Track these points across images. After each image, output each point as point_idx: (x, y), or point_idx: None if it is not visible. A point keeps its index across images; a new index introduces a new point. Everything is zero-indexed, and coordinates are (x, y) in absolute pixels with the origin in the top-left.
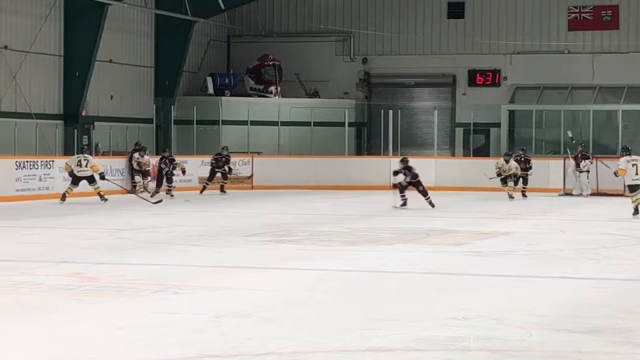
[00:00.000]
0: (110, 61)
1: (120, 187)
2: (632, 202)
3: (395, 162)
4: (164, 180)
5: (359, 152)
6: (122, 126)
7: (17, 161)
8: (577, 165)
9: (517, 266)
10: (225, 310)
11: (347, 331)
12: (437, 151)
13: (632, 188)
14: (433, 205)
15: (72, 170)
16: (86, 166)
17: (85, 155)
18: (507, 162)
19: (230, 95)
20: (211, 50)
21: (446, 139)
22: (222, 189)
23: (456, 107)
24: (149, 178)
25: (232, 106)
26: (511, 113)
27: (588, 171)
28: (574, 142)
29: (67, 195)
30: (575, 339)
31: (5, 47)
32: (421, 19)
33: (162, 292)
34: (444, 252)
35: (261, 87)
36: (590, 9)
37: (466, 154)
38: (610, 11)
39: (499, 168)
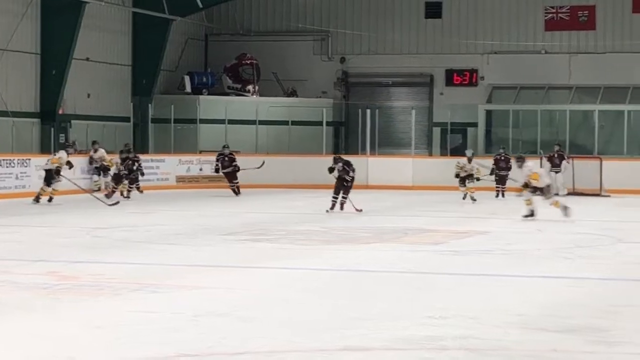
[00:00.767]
0: (88, 59)
1: (78, 186)
2: (551, 204)
3: (373, 162)
4: (124, 180)
5: (336, 151)
6: (99, 124)
7: None
8: (553, 165)
9: (494, 265)
10: (202, 310)
11: (325, 330)
12: (415, 151)
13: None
14: (341, 208)
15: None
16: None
17: (61, 150)
18: (469, 161)
19: (208, 94)
20: (189, 48)
21: (423, 138)
22: (237, 191)
23: (433, 106)
24: (109, 176)
25: (210, 105)
26: (488, 113)
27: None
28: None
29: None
30: (551, 338)
31: None
32: (399, 18)
33: (139, 291)
34: (422, 251)
35: (239, 86)
36: (567, 9)
37: (443, 154)
38: (586, 11)
39: (460, 168)
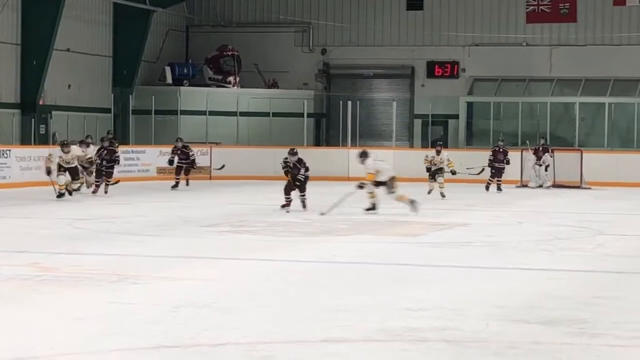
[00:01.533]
0: (68, 50)
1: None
2: (396, 199)
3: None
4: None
5: (317, 143)
6: (79, 115)
7: None
8: (539, 158)
9: (474, 257)
10: (183, 301)
11: (305, 322)
12: (396, 142)
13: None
14: (304, 206)
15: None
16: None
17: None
18: (438, 153)
19: (189, 86)
20: (170, 40)
21: (404, 130)
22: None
23: (414, 98)
24: (92, 172)
25: (191, 96)
26: (469, 105)
27: (548, 165)
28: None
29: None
30: (532, 329)
31: None
32: (380, 10)
33: (119, 282)
34: (401, 243)
35: (220, 77)
36: (549, 2)
37: (424, 146)
38: (568, 4)
39: (429, 161)
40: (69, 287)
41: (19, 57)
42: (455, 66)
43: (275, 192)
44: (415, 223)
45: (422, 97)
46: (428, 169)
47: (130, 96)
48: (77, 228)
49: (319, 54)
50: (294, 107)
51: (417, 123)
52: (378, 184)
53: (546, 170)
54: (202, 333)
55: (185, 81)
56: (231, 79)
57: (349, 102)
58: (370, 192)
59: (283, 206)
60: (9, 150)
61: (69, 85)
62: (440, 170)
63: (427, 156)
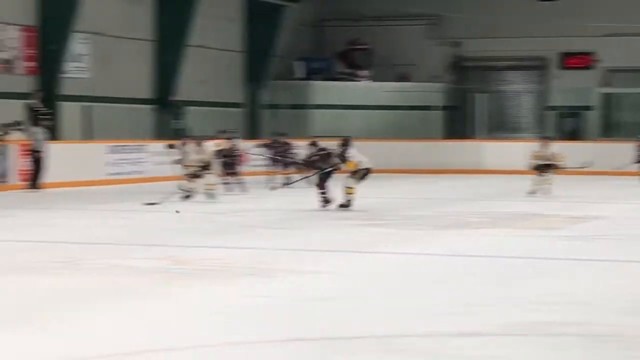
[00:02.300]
0: (201, 46)
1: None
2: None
3: (486, 146)
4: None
5: (448, 135)
6: (212, 111)
7: (110, 145)
8: None
9: (610, 250)
10: (318, 294)
11: (440, 315)
12: (529, 135)
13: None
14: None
15: None
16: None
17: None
18: (544, 147)
19: (321, 80)
20: (301, 34)
21: (537, 122)
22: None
23: (547, 90)
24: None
25: (322, 90)
26: (604, 96)
27: None
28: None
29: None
30: None
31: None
32: (512, 1)
33: (254, 275)
34: (535, 236)
35: (351, 71)
36: None
37: (559, 138)
38: None
39: (536, 156)
40: (203, 281)
41: (154, 54)
42: (590, 57)
43: (407, 184)
44: (551, 216)
45: (555, 88)
46: (535, 166)
47: (262, 91)
48: (212, 222)
49: (450, 47)
50: (425, 100)
51: (550, 115)
52: (360, 175)
53: None
54: (337, 325)
55: (316, 75)
56: (362, 72)
57: (481, 95)
58: (349, 188)
59: (326, 203)
60: (145, 146)
61: (202, 81)
62: (548, 166)
63: (533, 150)
